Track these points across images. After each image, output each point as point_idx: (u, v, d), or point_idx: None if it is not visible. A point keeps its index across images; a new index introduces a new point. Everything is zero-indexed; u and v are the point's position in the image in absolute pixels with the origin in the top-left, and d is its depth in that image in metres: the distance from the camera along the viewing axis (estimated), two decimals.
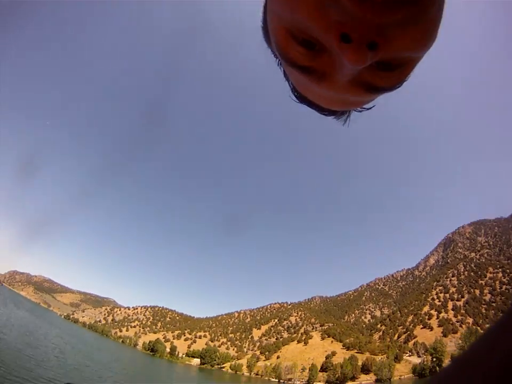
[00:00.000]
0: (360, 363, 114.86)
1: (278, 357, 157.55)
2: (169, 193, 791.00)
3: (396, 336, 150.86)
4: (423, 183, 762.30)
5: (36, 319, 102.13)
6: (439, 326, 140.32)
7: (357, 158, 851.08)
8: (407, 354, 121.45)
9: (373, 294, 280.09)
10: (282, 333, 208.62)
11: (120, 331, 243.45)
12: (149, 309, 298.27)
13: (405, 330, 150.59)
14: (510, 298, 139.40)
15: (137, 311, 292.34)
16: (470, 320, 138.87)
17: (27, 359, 37.41)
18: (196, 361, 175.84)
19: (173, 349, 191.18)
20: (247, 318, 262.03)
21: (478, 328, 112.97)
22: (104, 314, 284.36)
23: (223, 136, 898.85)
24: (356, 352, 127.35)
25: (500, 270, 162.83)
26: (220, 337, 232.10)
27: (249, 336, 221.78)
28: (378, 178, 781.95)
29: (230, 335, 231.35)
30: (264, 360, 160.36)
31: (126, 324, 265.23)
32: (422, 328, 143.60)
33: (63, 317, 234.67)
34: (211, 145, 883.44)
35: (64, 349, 63.94)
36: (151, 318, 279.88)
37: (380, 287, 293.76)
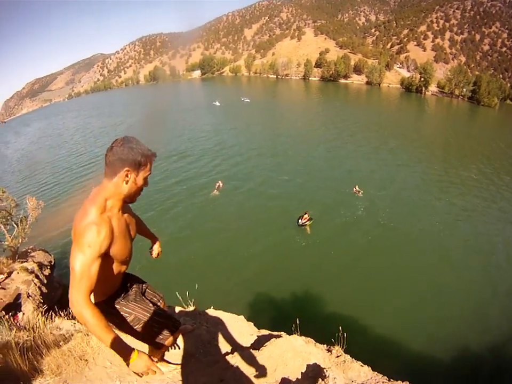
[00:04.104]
0: (352, 63, 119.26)
1: (273, 54, 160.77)
2: None
3: (389, 45, 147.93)
4: None
5: (46, 121, 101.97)
6: (433, 50, 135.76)
7: None
8: (397, 65, 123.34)
9: None
10: (275, 30, 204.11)
11: (120, 77, 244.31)
12: (137, 42, 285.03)
13: (398, 41, 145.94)
14: (505, 62, 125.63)
15: (126, 51, 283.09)
16: (463, 59, 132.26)
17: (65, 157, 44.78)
18: (197, 73, 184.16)
19: (172, 69, 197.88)
20: (236, 19, 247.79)
21: (468, 70, 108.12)
22: (99, 71, 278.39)
23: None
24: (349, 52, 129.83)
25: (507, 31, 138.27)
26: (213, 44, 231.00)
27: (242, 37, 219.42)
28: None
29: (223, 40, 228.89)
30: (260, 59, 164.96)
31: (121, 68, 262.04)
32: (415, 45, 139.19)
33: (66, 100, 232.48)
34: None
35: (86, 126, 69.99)
36: (142, 50, 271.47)
37: None
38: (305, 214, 20.02)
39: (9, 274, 12.51)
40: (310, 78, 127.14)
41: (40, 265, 15.43)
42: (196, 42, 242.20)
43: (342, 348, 4.08)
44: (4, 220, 16.57)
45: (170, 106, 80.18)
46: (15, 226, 16.70)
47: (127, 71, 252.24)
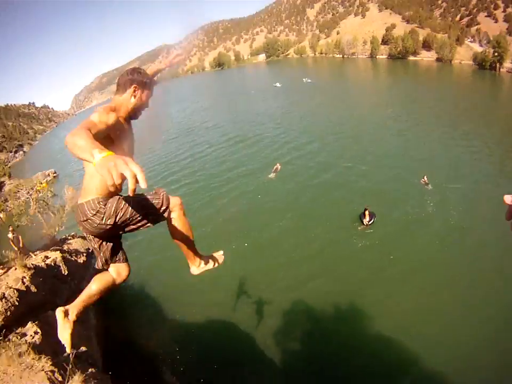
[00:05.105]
0: (421, 39, 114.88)
1: (338, 33, 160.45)
2: None
3: (458, 17, 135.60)
4: None
5: None
6: (505, 21, 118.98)
7: None
8: (468, 40, 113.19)
9: None
10: (338, 8, 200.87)
11: (185, 65, 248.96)
12: (199, 31, 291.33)
13: (468, 13, 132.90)
14: None
15: (190, 40, 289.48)
16: None
17: None
18: (262, 57, 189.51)
19: (237, 54, 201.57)
20: (296, 0, 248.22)
21: None
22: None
23: None
24: (416, 27, 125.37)
25: None
26: (275, 27, 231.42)
27: (305, 18, 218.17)
28: None
29: (285, 22, 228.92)
30: (325, 38, 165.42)
31: (186, 56, 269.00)
32: (486, 16, 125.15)
33: None
34: None
35: None
36: (205, 38, 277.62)
37: None
38: (366, 210, 17.62)
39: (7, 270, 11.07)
40: (377, 56, 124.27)
41: (75, 252, 15.20)
42: (259, 27, 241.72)
43: None
44: (41, 209, 17.81)
45: (231, 90, 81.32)
46: (53, 215, 17.70)
47: (192, 59, 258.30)
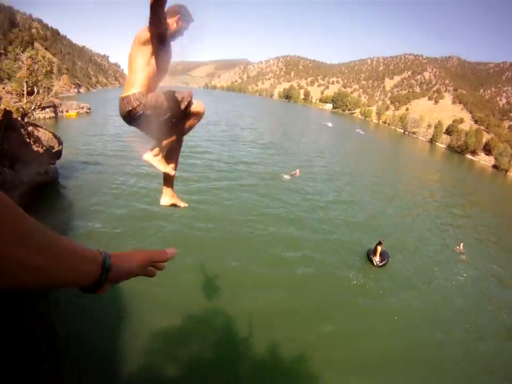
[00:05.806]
0: (484, 140, 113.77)
1: (406, 109, 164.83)
2: None
3: None
4: None
5: None
6: None
7: None
8: None
9: None
10: (414, 87, 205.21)
11: (256, 85, 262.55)
12: (281, 59, 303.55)
13: None
14: None
15: (269, 64, 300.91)
16: None
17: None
18: (329, 106, 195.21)
19: (307, 94, 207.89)
20: (380, 66, 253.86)
21: None
22: (239, 74, 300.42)
23: None
24: (483, 130, 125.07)
25: None
26: (351, 83, 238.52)
27: (381, 85, 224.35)
28: None
29: (362, 82, 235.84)
30: (393, 110, 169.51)
31: (260, 77, 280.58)
32: None
33: (201, 88, 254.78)
34: None
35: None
36: (284, 68, 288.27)
37: None
38: (378, 245, 14.88)
39: None
40: (436, 143, 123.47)
41: (35, 138, 15.26)
42: (336, 77, 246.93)
43: None
44: (31, 82, 17.64)
45: (288, 117, 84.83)
46: (36, 92, 18.10)
47: (265, 82, 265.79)
